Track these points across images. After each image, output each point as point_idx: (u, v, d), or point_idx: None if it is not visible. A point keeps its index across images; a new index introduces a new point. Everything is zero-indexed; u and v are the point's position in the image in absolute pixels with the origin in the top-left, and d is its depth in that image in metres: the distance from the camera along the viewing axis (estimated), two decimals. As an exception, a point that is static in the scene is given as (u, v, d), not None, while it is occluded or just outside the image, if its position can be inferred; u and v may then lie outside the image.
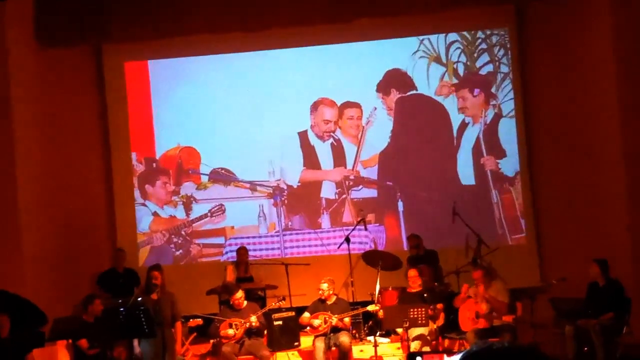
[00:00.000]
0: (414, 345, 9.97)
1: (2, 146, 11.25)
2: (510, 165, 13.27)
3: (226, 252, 13.47)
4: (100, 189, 13.40)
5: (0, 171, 11.23)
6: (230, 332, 10.35)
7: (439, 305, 10.55)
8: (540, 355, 1.82)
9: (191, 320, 10.60)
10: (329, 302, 10.76)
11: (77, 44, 12.79)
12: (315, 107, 13.69)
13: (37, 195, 11.96)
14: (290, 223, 13.65)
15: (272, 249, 13.48)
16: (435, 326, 10.26)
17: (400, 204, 13.45)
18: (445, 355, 2.86)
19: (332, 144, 13.68)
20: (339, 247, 12.32)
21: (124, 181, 13.56)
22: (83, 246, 12.88)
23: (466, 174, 13.39)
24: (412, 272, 10.90)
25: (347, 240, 12.07)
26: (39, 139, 12.22)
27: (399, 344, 10.83)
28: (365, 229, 12.59)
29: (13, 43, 11.53)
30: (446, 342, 10.76)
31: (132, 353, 9.75)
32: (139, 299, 9.47)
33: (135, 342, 9.63)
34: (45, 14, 12.27)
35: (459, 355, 1.92)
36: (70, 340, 9.75)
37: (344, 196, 13.58)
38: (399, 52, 13.57)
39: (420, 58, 13.52)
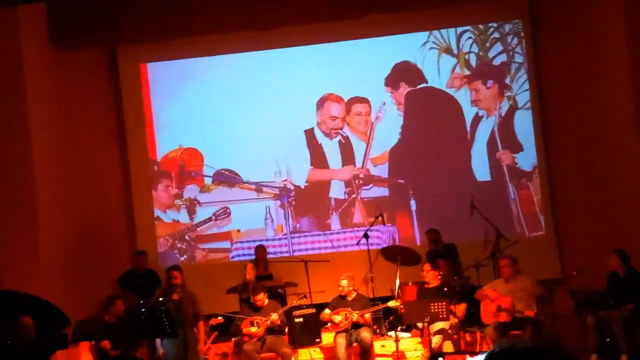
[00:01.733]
0: (436, 340, 9.93)
1: (20, 150, 11.31)
2: (527, 159, 13.12)
3: (232, 257, 13.32)
4: (119, 190, 13.44)
5: (18, 174, 11.29)
6: (253, 329, 10.37)
7: (463, 305, 10.48)
8: (563, 354, 1.83)
9: (212, 319, 10.63)
10: (349, 298, 10.77)
11: (91, 47, 12.87)
12: (321, 103, 13.51)
13: (55, 198, 12.02)
14: (298, 225, 13.44)
15: (281, 252, 13.27)
16: (456, 320, 10.24)
17: (412, 203, 13.27)
18: (468, 356, 2.84)
19: (340, 141, 13.49)
20: (357, 244, 12.24)
21: (141, 181, 13.53)
22: (102, 248, 12.94)
23: (481, 169, 13.24)
24: (426, 266, 10.85)
25: (366, 236, 12.04)
26: (55, 142, 12.28)
27: (419, 339, 10.83)
28: (384, 224, 12.54)
29: (28, 47, 11.58)
30: (467, 336, 10.76)
31: (155, 353, 9.79)
32: (160, 299, 9.49)
33: (158, 342, 9.66)
34: (58, 17, 12.32)
35: (482, 356, 1.93)
36: (93, 342, 9.82)
37: (353, 196, 13.39)
38: (407, 44, 13.39)
39: (430, 49, 13.36)
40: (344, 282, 10.81)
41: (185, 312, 9.53)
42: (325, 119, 13.53)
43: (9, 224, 11.11)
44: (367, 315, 10.60)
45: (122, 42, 12.97)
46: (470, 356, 2.64)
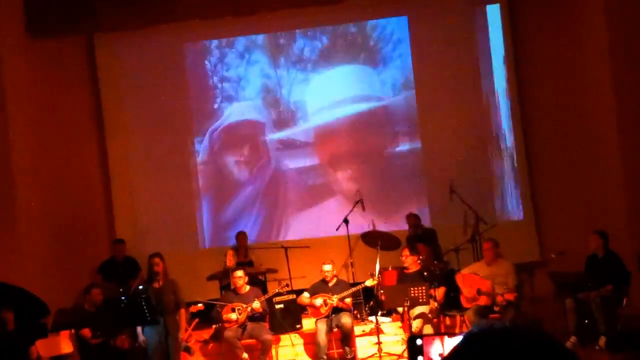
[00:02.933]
0: (416, 324, 9.98)
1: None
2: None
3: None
4: (97, 179, 13.41)
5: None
6: (233, 316, 10.38)
7: (442, 289, 10.52)
8: (543, 334, 1.83)
9: (192, 306, 10.61)
10: (330, 284, 10.79)
11: (68, 35, 12.77)
12: None
13: (34, 187, 11.95)
14: None
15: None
16: (436, 304, 10.28)
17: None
18: (446, 337, 2.86)
19: None
20: (337, 229, 12.22)
21: (120, 170, 13.47)
22: (82, 236, 12.90)
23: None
24: (405, 252, 10.87)
25: (346, 221, 12.04)
26: (34, 130, 12.20)
27: (400, 323, 10.88)
28: (363, 209, 12.52)
29: (4, 35, 11.50)
30: (447, 320, 10.82)
31: (136, 341, 9.78)
32: (140, 287, 9.47)
33: (139, 329, 9.64)
34: (35, 5, 12.23)
35: (460, 337, 1.94)
36: (73, 330, 9.80)
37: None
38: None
39: None
40: (328, 267, 10.79)
41: (166, 300, 9.48)
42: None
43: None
44: (348, 300, 10.60)
45: (100, 29, 12.87)
46: (449, 337, 2.65)
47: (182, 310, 9.92)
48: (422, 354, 3.15)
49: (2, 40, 11.41)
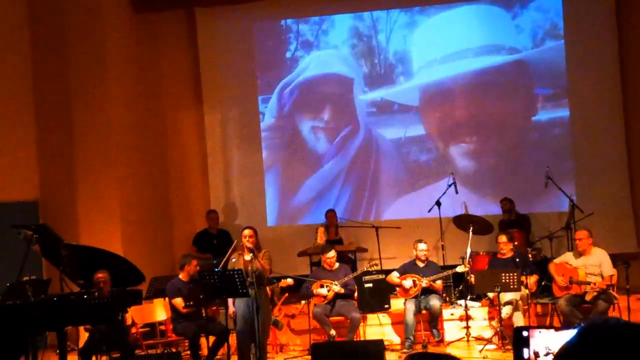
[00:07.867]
0: (505, 311, 9.89)
1: (100, 109, 11.55)
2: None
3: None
4: (194, 150, 13.56)
5: (97, 133, 11.52)
6: (323, 290, 10.40)
7: (534, 277, 10.29)
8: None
9: (282, 280, 10.66)
10: (420, 265, 10.73)
11: (170, 9, 12.95)
12: None
13: (133, 157, 12.23)
14: None
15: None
16: (527, 291, 10.12)
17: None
18: (552, 330, 2.81)
19: None
20: (429, 211, 12.05)
21: (216, 141, 13.48)
22: (178, 206, 13.15)
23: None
24: (502, 238, 10.67)
25: (438, 203, 11.88)
26: (135, 101, 12.47)
27: (488, 308, 10.77)
28: (456, 192, 12.29)
29: (109, 7, 11.77)
30: (538, 308, 10.66)
31: (227, 312, 9.88)
32: (233, 259, 9.56)
33: (230, 301, 9.74)
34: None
35: (569, 331, 1.90)
36: (166, 299, 10.02)
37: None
38: None
39: None
40: (423, 246, 10.69)
41: (258, 272, 9.53)
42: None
43: (91, 184, 11.40)
44: (439, 283, 10.52)
45: (199, 4, 13.01)
46: (555, 330, 2.60)
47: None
48: (527, 345, 3.12)
49: (107, 13, 11.69)
